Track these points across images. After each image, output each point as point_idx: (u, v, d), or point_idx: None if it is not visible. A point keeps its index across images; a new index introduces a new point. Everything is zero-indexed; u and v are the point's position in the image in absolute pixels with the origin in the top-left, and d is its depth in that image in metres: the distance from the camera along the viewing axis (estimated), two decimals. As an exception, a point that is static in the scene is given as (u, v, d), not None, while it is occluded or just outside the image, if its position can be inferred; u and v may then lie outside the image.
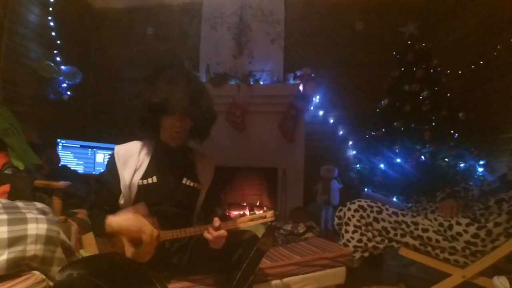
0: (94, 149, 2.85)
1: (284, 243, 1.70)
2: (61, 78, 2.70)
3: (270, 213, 1.09)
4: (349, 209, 1.69)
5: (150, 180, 1.20)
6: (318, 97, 3.07)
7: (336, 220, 1.78)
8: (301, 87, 2.86)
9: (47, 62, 2.59)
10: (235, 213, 2.87)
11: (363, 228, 1.64)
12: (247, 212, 2.84)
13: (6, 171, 1.54)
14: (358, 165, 2.66)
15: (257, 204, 2.95)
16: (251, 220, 1.08)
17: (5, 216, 1.02)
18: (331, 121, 3.10)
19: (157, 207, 1.19)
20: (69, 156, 2.72)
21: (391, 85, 2.74)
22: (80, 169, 2.73)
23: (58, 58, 2.70)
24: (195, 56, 3.07)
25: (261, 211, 2.88)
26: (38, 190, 1.54)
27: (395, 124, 2.52)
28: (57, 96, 2.71)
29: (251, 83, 2.85)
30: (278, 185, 2.75)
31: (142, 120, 1.20)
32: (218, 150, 2.74)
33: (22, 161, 1.69)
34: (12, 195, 1.39)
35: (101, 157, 2.87)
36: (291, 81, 2.90)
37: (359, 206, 1.67)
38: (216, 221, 1.06)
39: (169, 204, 1.22)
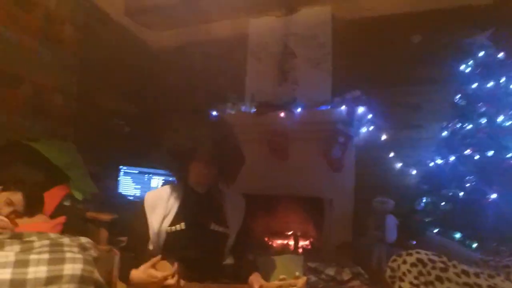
0: (150, 175, 3.08)
1: (324, 291, 1.52)
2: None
3: (301, 281, 1.00)
4: (404, 262, 1.41)
5: (178, 227, 1.21)
6: (371, 120, 2.81)
7: (389, 272, 1.51)
8: (349, 112, 2.66)
9: (112, 99, 2.94)
10: (278, 242, 2.75)
11: (422, 287, 1.35)
12: (291, 242, 2.69)
13: (65, 202, 1.73)
14: (420, 199, 2.31)
15: (300, 234, 2.78)
16: (279, 287, 1.03)
17: (47, 256, 1.11)
18: (387, 145, 2.79)
19: (184, 253, 1.18)
20: (129, 181, 3.00)
21: (461, 104, 2.37)
22: (138, 193, 2.98)
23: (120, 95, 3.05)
24: (240, 88, 3.12)
25: (306, 241, 2.70)
26: (89, 221, 1.68)
27: (466, 152, 2.14)
28: (120, 128, 3.04)
29: (295, 110, 2.77)
30: (324, 217, 2.54)
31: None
32: (260, 178, 2.68)
33: (80, 191, 1.89)
34: (66, 226, 1.54)
35: (156, 182, 3.07)
36: (339, 106, 2.73)
37: (418, 259, 1.37)
38: (256, 283, 1.08)
39: (196, 250, 1.20)
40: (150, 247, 1.24)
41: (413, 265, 1.39)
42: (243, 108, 2.97)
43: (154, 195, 1.28)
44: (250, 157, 2.67)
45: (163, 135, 1.23)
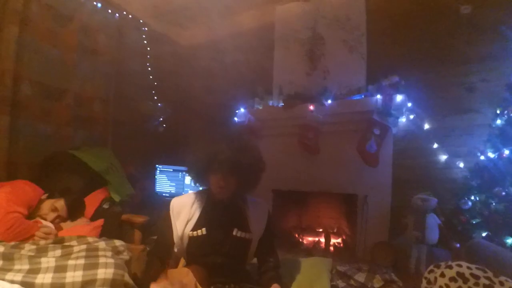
0: (184, 173, 3.21)
1: (351, 299, 1.46)
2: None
3: None
4: (442, 275, 1.27)
5: (199, 232, 1.27)
6: (411, 108, 2.55)
7: (424, 284, 1.38)
8: (386, 100, 2.45)
9: (148, 102, 3.09)
10: (309, 239, 2.70)
11: (461, 305, 1.21)
12: (322, 239, 2.62)
13: (104, 205, 1.89)
14: (467, 197, 2.06)
15: (334, 230, 2.69)
16: None
17: (82, 261, 1.23)
18: (430, 135, 2.52)
19: (206, 258, 1.24)
20: (164, 179, 3.16)
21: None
22: (173, 190, 3.14)
23: (155, 97, 3.18)
24: (269, 79, 3.04)
25: (339, 239, 2.62)
26: (124, 222, 1.82)
27: (524, 143, 1.86)
28: (155, 129, 3.20)
29: (326, 101, 2.63)
30: (358, 215, 2.42)
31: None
32: (291, 174, 2.64)
33: (118, 194, 2.04)
34: (104, 229, 1.68)
35: (189, 179, 3.20)
36: (374, 94, 2.52)
37: (458, 274, 1.22)
38: None
39: (218, 255, 1.25)
40: (175, 249, 1.32)
41: (452, 279, 1.24)
42: (270, 102, 2.91)
43: (179, 202, 1.34)
44: (280, 153, 2.68)
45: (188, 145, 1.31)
